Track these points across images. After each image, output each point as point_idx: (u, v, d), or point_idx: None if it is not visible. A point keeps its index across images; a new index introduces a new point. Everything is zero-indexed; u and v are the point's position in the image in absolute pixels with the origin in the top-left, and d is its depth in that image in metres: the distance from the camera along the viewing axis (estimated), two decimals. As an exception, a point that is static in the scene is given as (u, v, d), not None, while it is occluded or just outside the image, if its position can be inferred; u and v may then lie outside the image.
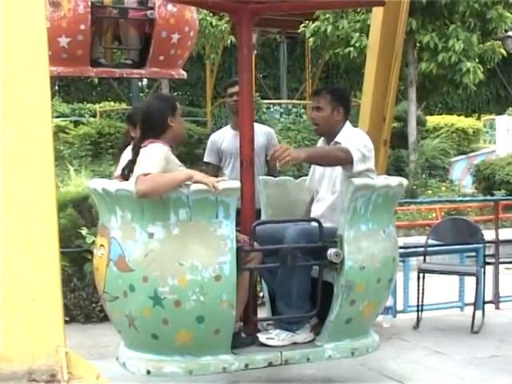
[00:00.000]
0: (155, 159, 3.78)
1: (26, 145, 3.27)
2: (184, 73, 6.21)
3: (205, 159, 5.66)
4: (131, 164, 3.97)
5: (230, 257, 3.76)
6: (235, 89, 5.18)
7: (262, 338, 4.17)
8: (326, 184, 4.46)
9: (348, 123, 4.47)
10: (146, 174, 3.68)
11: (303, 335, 4.24)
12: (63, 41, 5.66)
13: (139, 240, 3.75)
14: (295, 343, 4.20)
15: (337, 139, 4.36)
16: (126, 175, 4.02)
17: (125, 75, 6.04)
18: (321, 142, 4.63)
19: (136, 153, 3.95)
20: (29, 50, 3.28)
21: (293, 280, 4.17)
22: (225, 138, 5.60)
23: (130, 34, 6.05)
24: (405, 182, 4.36)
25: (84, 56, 5.79)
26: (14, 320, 3.22)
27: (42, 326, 3.26)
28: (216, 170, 5.56)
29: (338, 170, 4.32)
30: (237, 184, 3.81)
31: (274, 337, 4.17)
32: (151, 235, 3.74)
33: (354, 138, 4.29)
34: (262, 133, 5.55)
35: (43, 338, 3.26)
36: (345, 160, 4.13)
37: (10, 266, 3.23)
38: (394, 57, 6.11)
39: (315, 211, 4.50)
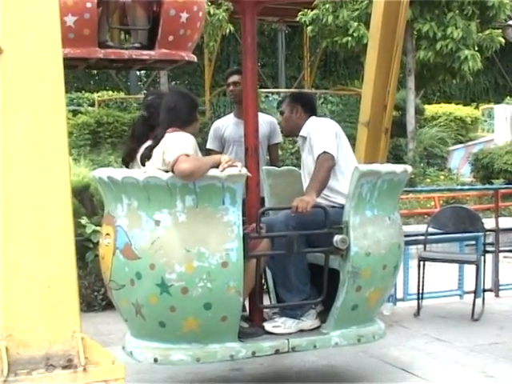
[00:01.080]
0: (190, 143, 3.89)
1: (40, 133, 3.28)
2: (194, 56, 6.08)
3: (207, 146, 5.67)
4: (149, 151, 4.00)
5: (237, 243, 3.76)
6: (234, 78, 5.29)
7: (268, 326, 4.18)
8: (306, 174, 4.60)
9: (312, 118, 4.65)
10: (187, 155, 3.74)
11: (309, 322, 4.26)
12: (70, 20, 5.46)
13: (146, 228, 3.76)
14: (301, 330, 4.22)
15: (301, 133, 4.62)
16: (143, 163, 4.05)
17: (134, 56, 5.82)
18: (298, 143, 4.79)
19: (158, 140, 3.99)
20: (42, 39, 3.30)
21: (288, 264, 4.21)
22: (228, 125, 5.61)
23: (138, 14, 5.88)
24: (409, 168, 4.37)
25: (91, 36, 5.61)
26: (31, 306, 3.25)
27: (58, 311, 3.29)
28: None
29: (311, 159, 4.46)
30: (243, 170, 3.82)
31: (280, 325, 4.20)
32: (158, 222, 3.74)
33: (317, 131, 4.46)
34: (265, 122, 5.56)
35: (60, 324, 3.28)
36: (332, 163, 4.35)
37: (26, 254, 3.25)
38: (395, 46, 6.13)
39: None
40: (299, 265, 4.24)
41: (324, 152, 4.32)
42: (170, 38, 5.72)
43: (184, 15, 5.68)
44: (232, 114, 5.71)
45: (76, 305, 3.36)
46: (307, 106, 4.71)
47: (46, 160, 3.29)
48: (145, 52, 5.80)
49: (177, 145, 3.83)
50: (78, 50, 5.64)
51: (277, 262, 4.28)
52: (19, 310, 3.23)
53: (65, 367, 3.21)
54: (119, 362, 3.40)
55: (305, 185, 4.59)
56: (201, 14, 5.85)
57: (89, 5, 5.49)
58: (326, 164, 4.30)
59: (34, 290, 3.26)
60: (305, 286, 4.26)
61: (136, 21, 5.88)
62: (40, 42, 3.29)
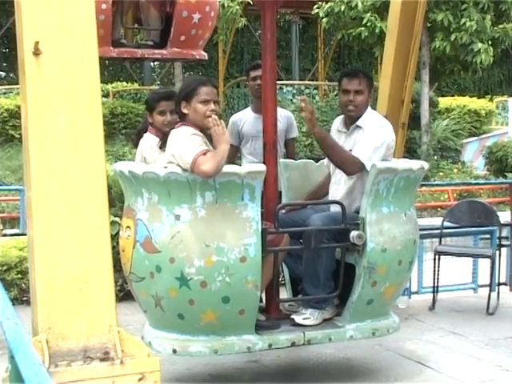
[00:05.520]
0: (198, 140, 3.87)
1: (77, 133, 3.36)
2: (205, 53, 6.14)
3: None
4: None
5: (256, 239, 3.81)
6: (258, 72, 5.16)
7: (298, 319, 4.23)
8: None
9: (371, 111, 4.56)
10: (204, 153, 3.74)
11: (330, 310, 4.34)
12: None
13: (166, 222, 3.81)
14: (325, 319, 4.29)
15: (358, 123, 4.45)
16: None
17: (146, 55, 5.91)
18: (339, 122, 4.63)
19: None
20: (79, 41, 3.39)
21: (319, 262, 4.23)
22: (246, 120, 5.62)
23: (151, 14, 5.95)
24: (426, 165, 4.39)
25: (105, 36, 5.66)
26: (70, 300, 3.33)
27: (95, 305, 3.38)
28: (235, 151, 5.60)
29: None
30: (262, 167, 3.85)
31: (309, 316, 4.25)
32: (178, 217, 3.79)
33: (371, 135, 4.34)
34: (282, 117, 5.56)
35: (97, 318, 3.37)
36: (350, 169, 4.29)
37: (64, 250, 3.33)
38: (412, 40, 6.13)
39: (333, 194, 4.55)
40: (328, 264, 4.27)
41: (358, 162, 4.24)
42: (182, 37, 5.79)
43: (196, 16, 5.75)
44: (249, 109, 5.73)
45: (112, 299, 3.44)
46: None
47: (83, 158, 3.37)
48: (157, 51, 5.87)
49: (187, 146, 3.80)
50: None
51: (307, 259, 4.31)
52: (58, 304, 3.31)
53: (102, 359, 3.29)
54: (153, 355, 3.46)
55: (333, 176, 4.58)
56: (213, 13, 5.91)
57: (104, 6, 5.54)
58: (349, 161, 4.27)
59: (72, 285, 3.34)
60: (330, 282, 4.31)
61: (149, 20, 5.95)
62: (77, 45, 3.38)
